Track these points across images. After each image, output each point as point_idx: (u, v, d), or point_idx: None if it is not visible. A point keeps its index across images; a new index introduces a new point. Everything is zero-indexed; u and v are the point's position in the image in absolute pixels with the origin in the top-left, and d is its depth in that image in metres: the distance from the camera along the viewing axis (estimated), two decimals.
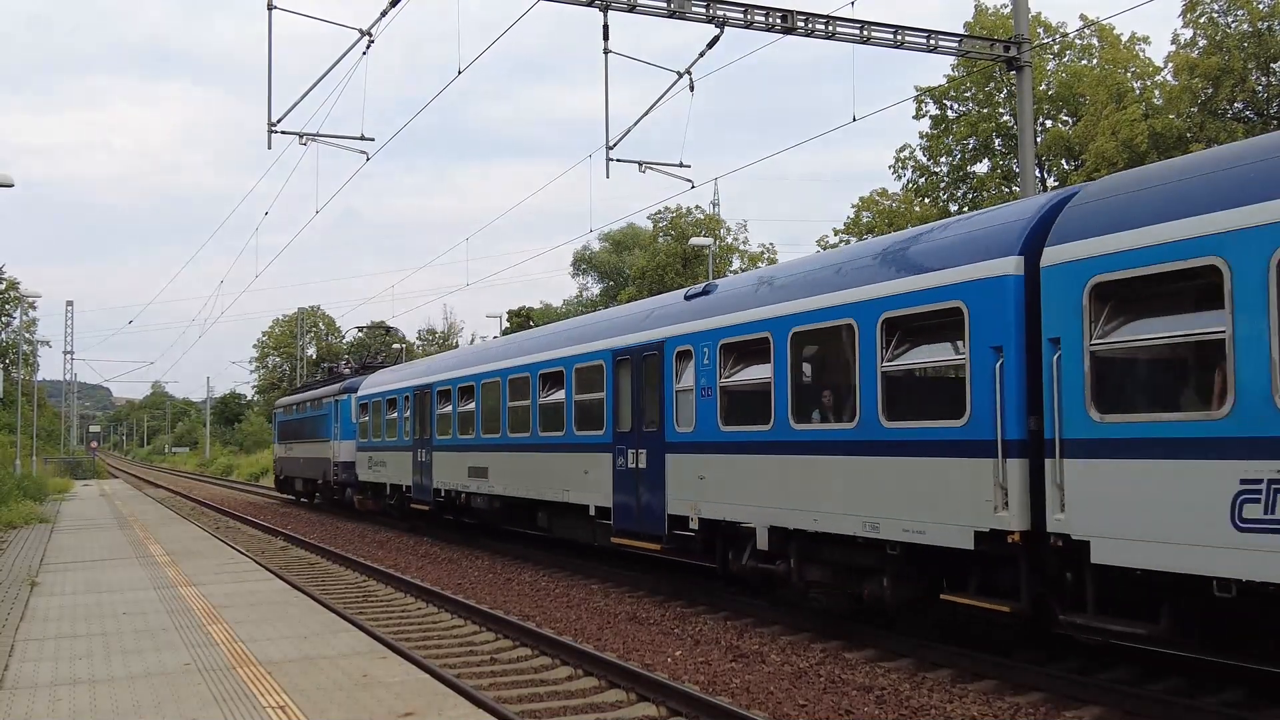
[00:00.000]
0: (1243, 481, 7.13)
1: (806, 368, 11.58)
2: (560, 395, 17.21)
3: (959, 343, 9.44)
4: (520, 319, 66.89)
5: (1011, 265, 9.08)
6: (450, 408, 22.35)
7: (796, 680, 9.87)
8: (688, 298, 14.57)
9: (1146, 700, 8.59)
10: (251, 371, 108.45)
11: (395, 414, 26.33)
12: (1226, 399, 7.26)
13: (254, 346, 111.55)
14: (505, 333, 55.16)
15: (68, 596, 13.20)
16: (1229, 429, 7.24)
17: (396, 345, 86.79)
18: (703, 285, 14.74)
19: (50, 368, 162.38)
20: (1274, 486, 6.95)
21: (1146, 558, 7.74)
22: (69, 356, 74.94)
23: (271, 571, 16.49)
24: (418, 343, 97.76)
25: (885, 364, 10.26)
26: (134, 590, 13.58)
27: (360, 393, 30.12)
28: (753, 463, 12.24)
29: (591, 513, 15.98)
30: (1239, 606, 7.41)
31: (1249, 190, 7.35)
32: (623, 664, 10.20)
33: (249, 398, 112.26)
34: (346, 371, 37.29)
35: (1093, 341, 8.18)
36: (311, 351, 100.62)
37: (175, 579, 14.62)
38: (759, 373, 12.09)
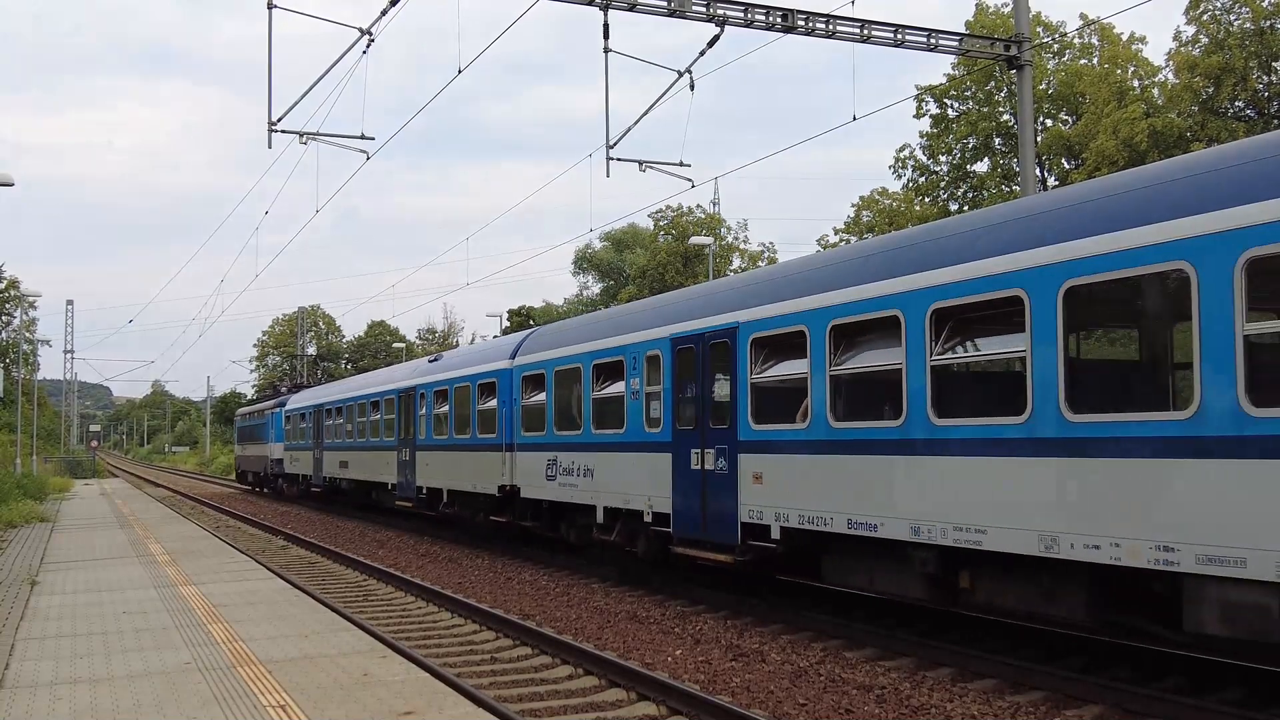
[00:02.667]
0: (548, 461, 17.36)
1: (461, 406, 21.44)
2: (378, 416, 27.63)
3: (495, 400, 19.71)
4: (520, 318, 66.94)
5: (508, 363, 19.42)
6: (331, 421, 32.78)
7: (797, 679, 9.87)
8: (430, 361, 25.84)
9: (1146, 699, 8.58)
10: (252, 371, 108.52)
11: (305, 424, 36.55)
12: (546, 427, 17.60)
13: (254, 346, 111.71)
14: (505, 331, 55.24)
15: (68, 595, 13.19)
16: (545, 440, 17.59)
17: (398, 344, 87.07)
18: (436, 354, 27.12)
19: (50, 367, 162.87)
20: (553, 461, 17.14)
21: (532, 493, 18.08)
22: (69, 356, 75.13)
23: (272, 571, 16.49)
24: (418, 342, 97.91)
25: (481, 406, 20.39)
26: (134, 589, 13.57)
27: (286, 408, 40.26)
28: (443, 455, 22.57)
29: (389, 488, 26.25)
30: (552, 512, 17.73)
31: (574, 337, 17.45)
32: (623, 663, 10.19)
33: (249, 397, 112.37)
34: (284, 390, 48.16)
35: (522, 401, 18.62)
36: (311, 350, 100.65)
37: (175, 578, 14.62)
38: (444, 407, 22.47)
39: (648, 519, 14.30)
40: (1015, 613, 10.07)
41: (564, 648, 11.14)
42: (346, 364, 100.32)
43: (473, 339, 77.88)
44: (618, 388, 15.30)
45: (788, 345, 11.72)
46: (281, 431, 40.37)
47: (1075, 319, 8.56)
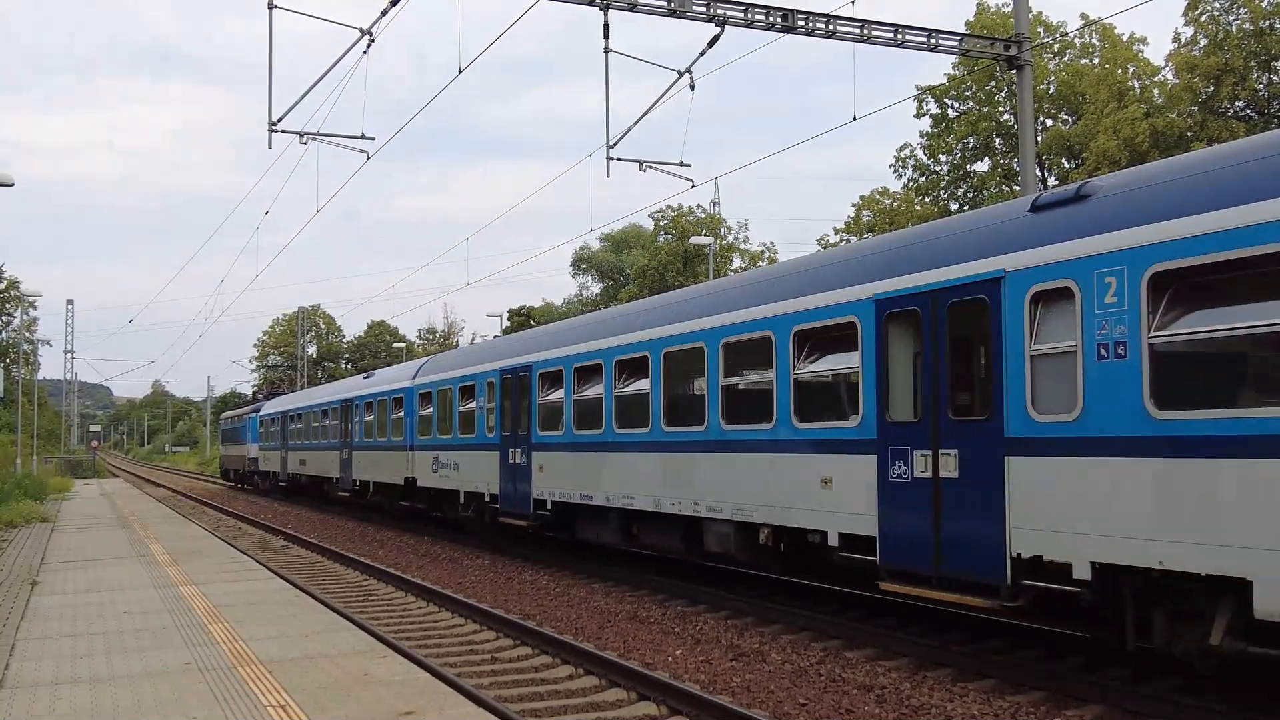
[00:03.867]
0: (433, 458, 23.17)
1: (381, 415, 27.52)
2: (327, 422, 33.73)
3: (402, 412, 25.52)
4: (521, 318, 66.95)
5: (410, 383, 25.22)
6: (294, 425, 39.20)
7: (797, 679, 9.87)
8: (364, 378, 32.57)
9: (1146, 699, 8.59)
10: (252, 371, 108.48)
11: (275, 428, 43.03)
12: (432, 432, 23.39)
13: (254, 346, 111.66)
14: (505, 331, 55.32)
15: (68, 596, 13.20)
16: (432, 442, 23.38)
17: (398, 344, 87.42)
18: (370, 371, 35.03)
19: (51, 367, 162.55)
20: (436, 458, 22.95)
21: (424, 483, 23.78)
22: (69, 356, 75.06)
23: (272, 571, 16.49)
24: (418, 342, 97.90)
25: (393, 415, 26.32)
26: (135, 589, 13.58)
27: (261, 413, 46.77)
28: (370, 454, 28.57)
29: (335, 481, 32.50)
30: (437, 497, 23.44)
31: (448, 365, 24.02)
32: (623, 663, 10.19)
33: (249, 396, 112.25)
34: (260, 397, 55.98)
35: (419, 413, 24.30)
36: (312, 350, 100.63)
37: (176, 578, 14.63)
38: (370, 416, 28.56)
39: (487, 499, 20.06)
40: (656, 548, 15.56)
41: (564, 647, 11.14)
42: (347, 364, 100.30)
43: (473, 339, 78.03)
44: (473, 404, 21.08)
45: (556, 379, 17.49)
46: (257, 434, 47.07)
47: (670, 371, 14.18)
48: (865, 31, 18.55)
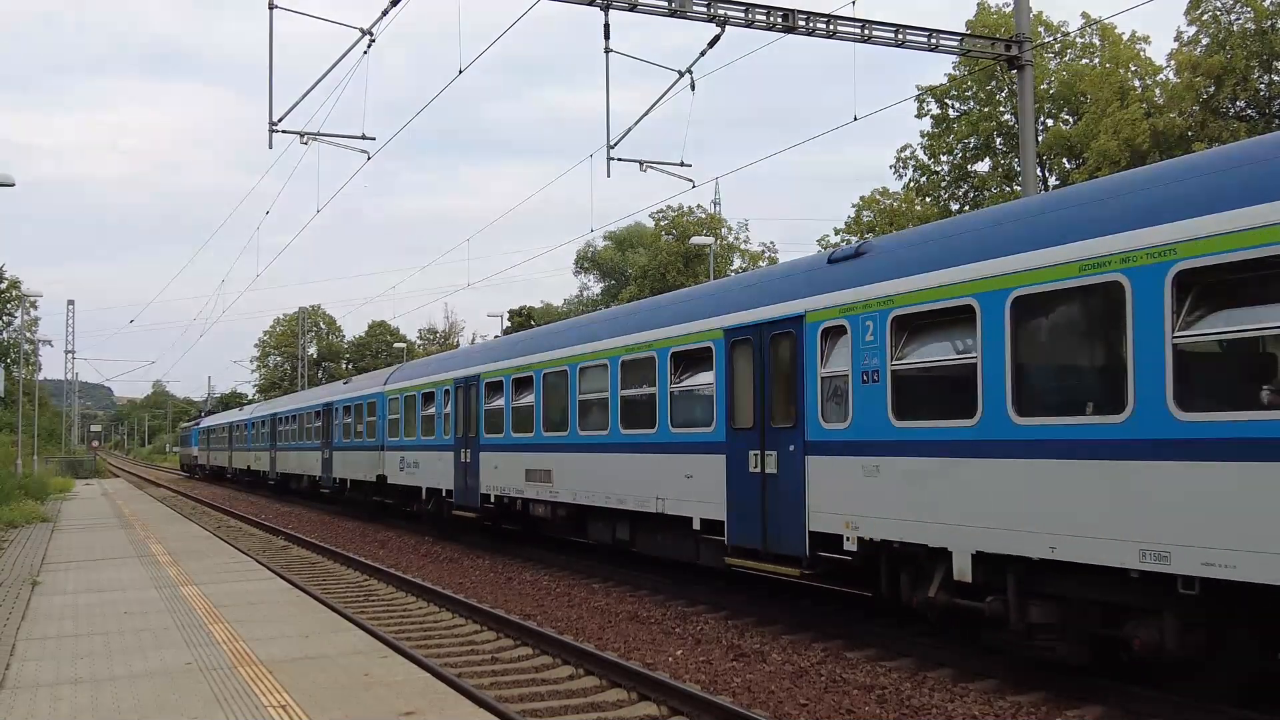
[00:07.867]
0: (256, 458, 46.58)
1: (240, 432, 51.55)
2: (225, 434, 56.03)
3: (247, 432, 48.89)
4: (521, 318, 66.98)
5: (249, 415, 50.21)
6: (213, 436, 59.22)
7: (798, 679, 9.87)
8: (240, 410, 57.58)
9: (1146, 699, 8.58)
10: (253, 371, 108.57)
11: (206, 437, 64.09)
12: (250, 444, 48.51)
13: (255, 346, 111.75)
14: (506, 332, 55.37)
15: (69, 596, 13.20)
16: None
17: (399, 345, 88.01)
18: (242, 406, 67.50)
19: (51, 367, 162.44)
20: (255, 457, 46.41)
21: (255, 468, 46.90)
22: (70, 356, 75.07)
23: (273, 571, 16.50)
24: (419, 342, 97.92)
25: (244, 432, 49.92)
26: (135, 590, 13.58)
27: (199, 426, 69.45)
28: (239, 454, 50.75)
29: (225, 468, 55.68)
30: (249, 473, 49.04)
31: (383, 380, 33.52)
32: (624, 663, 10.19)
33: (250, 397, 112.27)
34: (200, 414, 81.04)
35: (252, 433, 47.49)
36: (312, 350, 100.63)
37: (177, 578, 14.63)
38: (240, 432, 52.05)
39: (265, 470, 33.05)
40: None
41: (565, 648, 11.14)
42: (347, 364, 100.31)
43: (473, 339, 78.26)
44: (294, 429, 34.57)
45: (428, 397, 23.64)
46: (197, 440, 69.78)
47: (549, 389, 17.33)
48: (866, 31, 18.54)
